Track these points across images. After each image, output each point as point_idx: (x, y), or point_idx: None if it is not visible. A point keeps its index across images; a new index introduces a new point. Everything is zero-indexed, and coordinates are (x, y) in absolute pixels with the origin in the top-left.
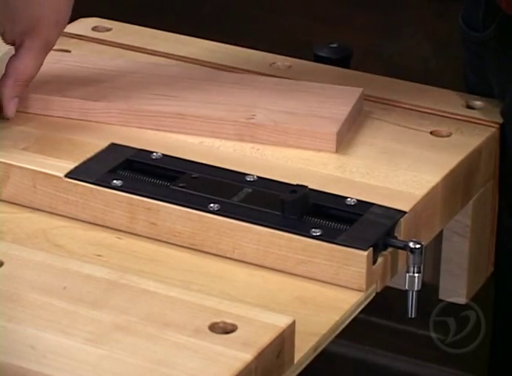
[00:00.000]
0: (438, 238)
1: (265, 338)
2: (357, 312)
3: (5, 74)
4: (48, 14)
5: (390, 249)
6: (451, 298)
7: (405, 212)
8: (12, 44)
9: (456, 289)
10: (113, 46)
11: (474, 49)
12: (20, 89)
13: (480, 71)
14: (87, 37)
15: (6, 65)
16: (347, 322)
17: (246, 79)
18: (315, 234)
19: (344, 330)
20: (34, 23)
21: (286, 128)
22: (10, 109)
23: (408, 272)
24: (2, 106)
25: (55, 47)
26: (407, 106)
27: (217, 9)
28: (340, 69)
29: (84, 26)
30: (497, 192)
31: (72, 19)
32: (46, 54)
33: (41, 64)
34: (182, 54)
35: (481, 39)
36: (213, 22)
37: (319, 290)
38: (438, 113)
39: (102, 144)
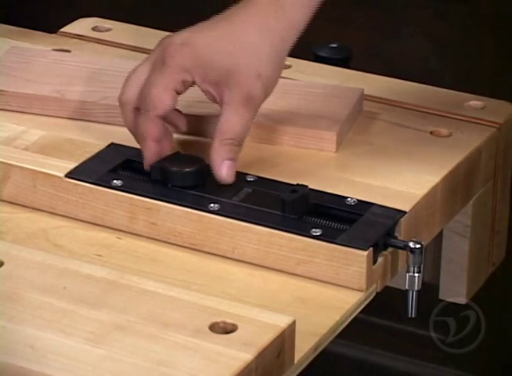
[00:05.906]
0: (438, 238)
1: (266, 338)
2: (357, 312)
3: (213, 137)
4: (243, 64)
5: (390, 249)
6: (451, 298)
7: (405, 212)
8: (215, 100)
9: (456, 289)
10: (113, 46)
11: None
12: (228, 149)
13: None
14: (87, 37)
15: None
16: (347, 322)
17: None
18: (315, 234)
19: (344, 330)
20: (229, 74)
21: (286, 128)
22: (223, 172)
23: (408, 272)
24: (215, 171)
25: (55, 47)
26: (407, 106)
27: (217, 9)
28: (340, 69)
29: (84, 26)
30: (497, 192)
31: (72, 19)
32: (251, 110)
33: (248, 122)
34: None
35: None
36: None
37: (319, 290)
38: (438, 113)
39: (102, 144)
